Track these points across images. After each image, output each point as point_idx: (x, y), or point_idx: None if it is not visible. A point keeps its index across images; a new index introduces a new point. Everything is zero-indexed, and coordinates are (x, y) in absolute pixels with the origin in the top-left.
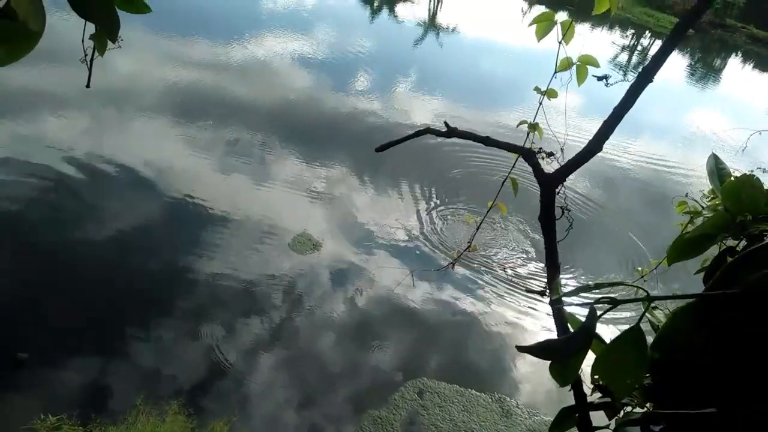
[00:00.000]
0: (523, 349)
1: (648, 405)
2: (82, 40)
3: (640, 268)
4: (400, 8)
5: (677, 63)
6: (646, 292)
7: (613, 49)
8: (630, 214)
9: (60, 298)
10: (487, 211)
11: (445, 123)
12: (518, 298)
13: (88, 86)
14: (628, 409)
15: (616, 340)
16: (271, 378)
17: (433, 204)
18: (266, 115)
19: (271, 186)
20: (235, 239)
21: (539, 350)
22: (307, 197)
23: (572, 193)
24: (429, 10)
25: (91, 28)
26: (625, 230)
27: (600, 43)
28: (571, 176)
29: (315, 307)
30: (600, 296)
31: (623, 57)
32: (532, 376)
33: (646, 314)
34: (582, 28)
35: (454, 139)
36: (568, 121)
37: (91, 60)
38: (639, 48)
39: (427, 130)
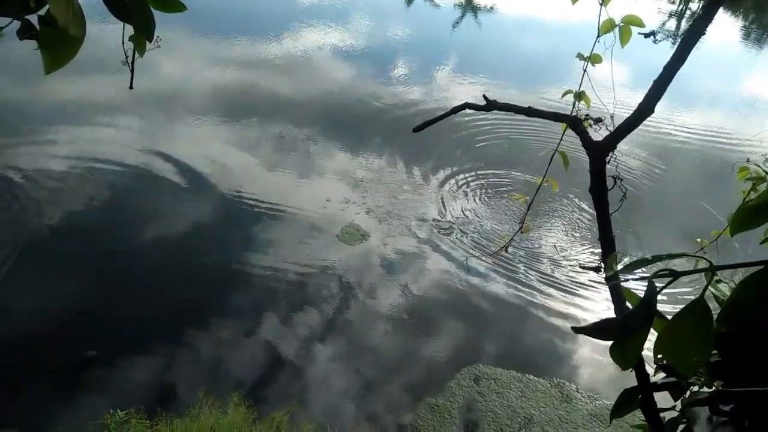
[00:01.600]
0: (579, 330)
1: (716, 383)
2: (122, 42)
3: (699, 240)
4: None
5: (730, 25)
6: (709, 262)
7: (660, 16)
8: (690, 184)
9: (124, 298)
10: (537, 189)
11: (484, 96)
12: (575, 277)
13: (131, 87)
14: (695, 388)
15: (679, 315)
16: (328, 368)
17: (481, 187)
18: (309, 108)
19: (317, 178)
20: (285, 233)
21: (596, 331)
22: (352, 188)
23: (627, 167)
24: None
25: (130, 30)
26: (688, 203)
27: (646, 10)
28: (624, 151)
29: (367, 296)
30: (659, 270)
31: (671, 24)
32: (593, 359)
33: (710, 288)
34: None
35: (503, 128)
36: (616, 92)
37: (132, 62)
38: (688, 13)
39: (466, 105)
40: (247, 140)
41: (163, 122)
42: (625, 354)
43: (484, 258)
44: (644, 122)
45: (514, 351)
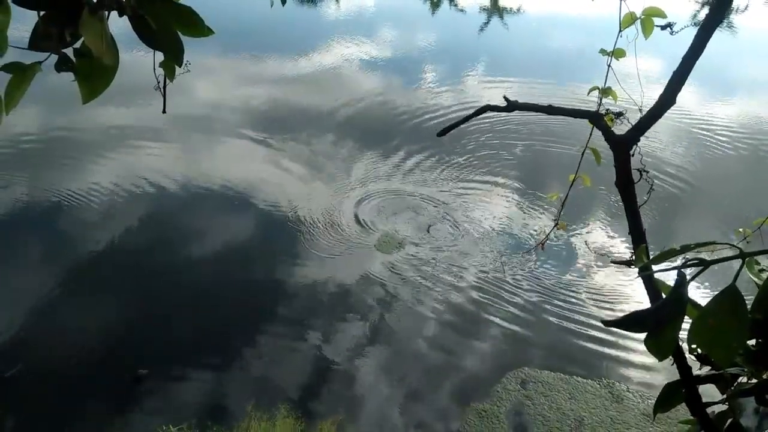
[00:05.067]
0: (610, 324)
1: (765, 374)
2: (154, 69)
3: (741, 229)
4: None
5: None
6: (740, 249)
7: (692, 5)
8: (729, 180)
9: (171, 315)
10: (570, 186)
11: (505, 97)
12: (614, 272)
13: (164, 112)
14: (743, 380)
15: (711, 304)
16: (374, 377)
17: (513, 188)
18: (341, 120)
19: (351, 190)
20: (324, 245)
21: (628, 323)
22: (386, 198)
23: (660, 164)
24: None
25: (160, 57)
26: (727, 200)
27: (677, 0)
28: (659, 146)
29: (408, 304)
30: (689, 258)
31: (704, 12)
32: (642, 357)
33: (751, 275)
34: None
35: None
36: (647, 84)
37: (164, 87)
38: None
39: (487, 107)
40: (283, 156)
41: (200, 142)
42: (660, 345)
43: (521, 255)
44: (679, 113)
45: (559, 352)
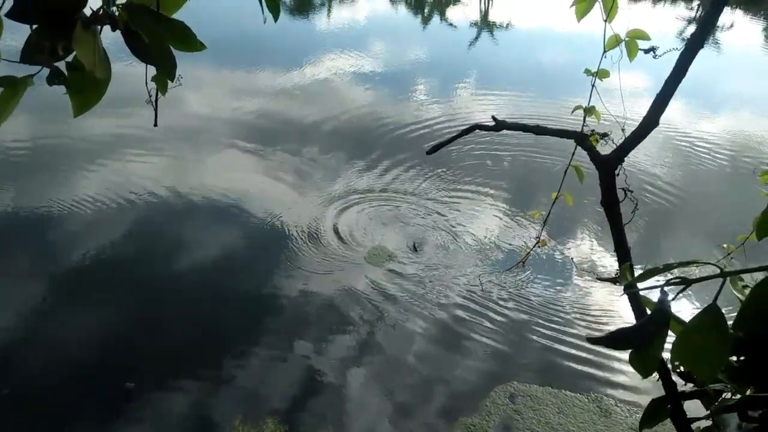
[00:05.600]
0: (594, 341)
1: (749, 390)
2: (146, 83)
3: (726, 245)
4: (450, 12)
5: (753, 28)
6: (720, 268)
7: (678, 23)
8: (715, 196)
9: (159, 328)
10: (552, 203)
11: (493, 117)
12: (601, 289)
13: (155, 125)
14: (728, 395)
15: (693, 322)
16: (363, 390)
17: (500, 207)
18: (332, 134)
19: (342, 203)
20: (314, 257)
21: (612, 340)
22: (376, 211)
23: (646, 179)
24: (480, 10)
25: (152, 70)
26: (714, 214)
27: (663, 17)
28: (644, 163)
29: (397, 318)
30: (671, 277)
31: (691, 29)
32: (629, 372)
33: (734, 292)
34: (637, 5)
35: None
36: (633, 102)
37: (156, 100)
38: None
39: (476, 126)
40: (273, 168)
41: (190, 154)
42: (645, 362)
43: (501, 273)
44: (665, 128)
45: (547, 366)
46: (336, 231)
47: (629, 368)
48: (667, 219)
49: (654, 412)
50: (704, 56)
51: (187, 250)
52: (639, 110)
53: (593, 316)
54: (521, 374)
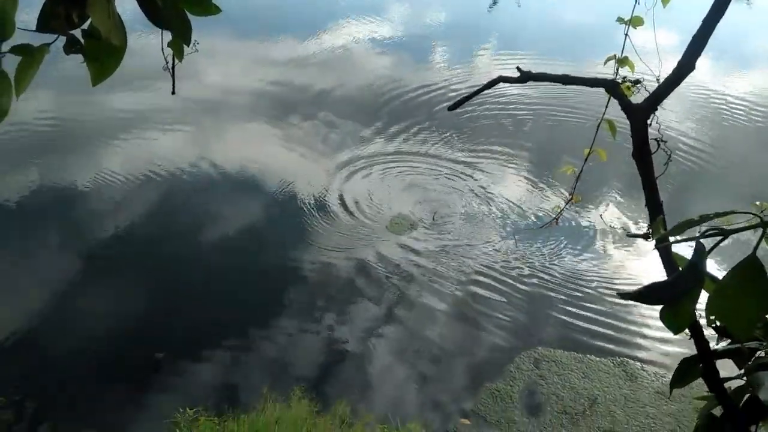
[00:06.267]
0: (625, 296)
1: None
2: (162, 49)
3: (758, 203)
4: None
5: None
6: (760, 217)
7: None
8: (748, 154)
9: (187, 300)
10: (585, 159)
11: (518, 68)
12: (631, 249)
13: (173, 93)
14: (761, 354)
15: (731, 274)
16: (388, 358)
17: (523, 165)
18: (353, 102)
19: (364, 172)
20: (337, 228)
21: (643, 295)
22: (398, 179)
23: (677, 138)
24: None
25: (168, 37)
26: (747, 174)
27: None
28: (677, 124)
29: (421, 285)
30: (707, 229)
31: None
32: (657, 335)
33: None
34: None
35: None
36: (665, 57)
37: (173, 67)
38: None
39: (500, 79)
40: (295, 138)
41: (212, 127)
42: (677, 318)
43: (535, 230)
44: (696, 88)
45: (572, 330)
46: (356, 201)
47: (655, 333)
48: (698, 180)
49: (685, 372)
50: (732, 11)
51: (211, 223)
52: (670, 67)
53: (622, 276)
54: (546, 339)
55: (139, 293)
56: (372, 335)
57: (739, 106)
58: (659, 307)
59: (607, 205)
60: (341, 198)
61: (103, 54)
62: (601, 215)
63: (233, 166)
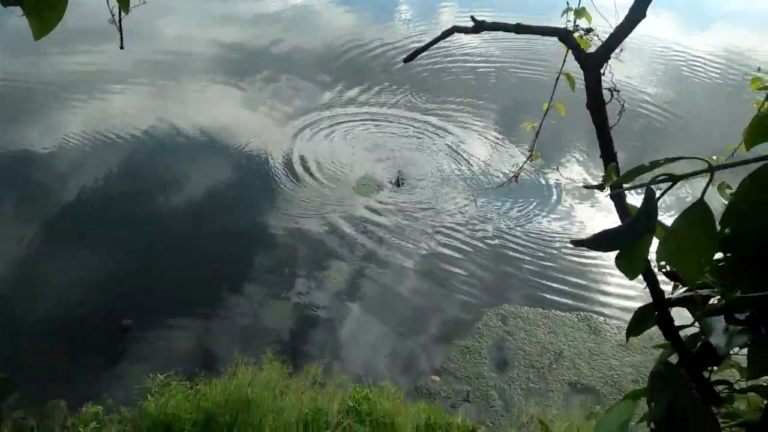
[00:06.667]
0: (579, 243)
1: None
2: (107, 1)
3: (714, 157)
4: None
5: None
6: (709, 162)
7: None
8: (706, 110)
9: (151, 264)
10: (545, 114)
11: (472, 17)
12: (590, 204)
13: (121, 47)
14: (714, 302)
15: (680, 219)
16: (358, 319)
17: (483, 123)
18: (314, 61)
19: (328, 132)
20: (304, 189)
21: (597, 242)
22: (362, 140)
23: (637, 95)
24: None
25: None
26: (706, 129)
27: None
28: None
29: (389, 245)
30: (658, 174)
31: None
32: (619, 291)
33: (722, 200)
34: None
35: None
36: (621, 13)
37: (119, 21)
38: None
39: (454, 29)
40: (253, 99)
41: (169, 86)
42: (631, 263)
43: (495, 188)
44: (656, 43)
45: (538, 288)
46: (319, 162)
47: (618, 290)
48: (657, 137)
49: (641, 319)
50: None
51: (174, 186)
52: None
53: (581, 230)
54: (512, 297)
55: (103, 259)
56: (341, 296)
57: (698, 63)
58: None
59: (571, 163)
60: (306, 159)
61: (43, 5)
62: (558, 169)
63: (193, 129)
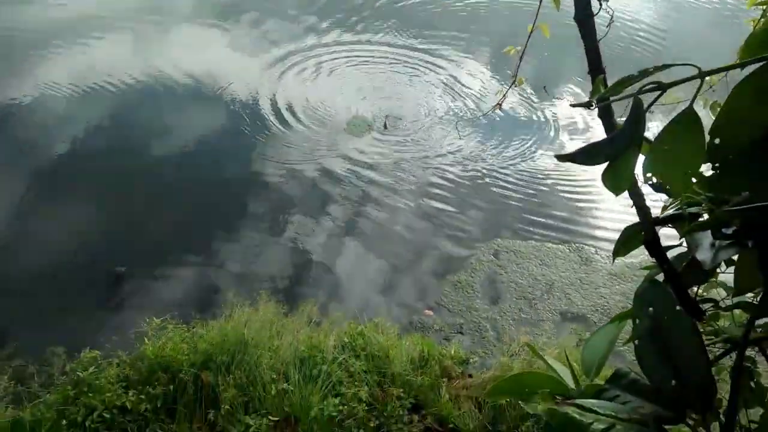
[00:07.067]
0: (563, 158)
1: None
2: None
3: (708, 78)
4: None
5: None
6: (698, 68)
7: None
8: (701, 36)
9: (143, 213)
10: (528, 37)
11: None
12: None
13: None
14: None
15: (667, 128)
16: (351, 258)
17: (468, 54)
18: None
19: (315, 72)
20: (294, 133)
21: (582, 155)
22: (351, 79)
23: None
24: None
25: None
26: (701, 53)
27: None
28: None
29: (380, 185)
30: (646, 82)
31: None
32: (609, 220)
33: (713, 117)
34: None
35: None
36: None
37: None
38: None
39: None
40: (238, 42)
41: (153, 31)
42: (617, 178)
43: (480, 118)
44: None
45: (530, 221)
46: (309, 102)
47: (609, 223)
48: (650, 63)
49: (627, 240)
50: None
51: (162, 135)
52: None
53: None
54: (504, 231)
55: (93, 211)
56: (335, 235)
57: None
58: (613, 198)
59: (564, 93)
60: (292, 100)
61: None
62: (544, 87)
63: (179, 75)
